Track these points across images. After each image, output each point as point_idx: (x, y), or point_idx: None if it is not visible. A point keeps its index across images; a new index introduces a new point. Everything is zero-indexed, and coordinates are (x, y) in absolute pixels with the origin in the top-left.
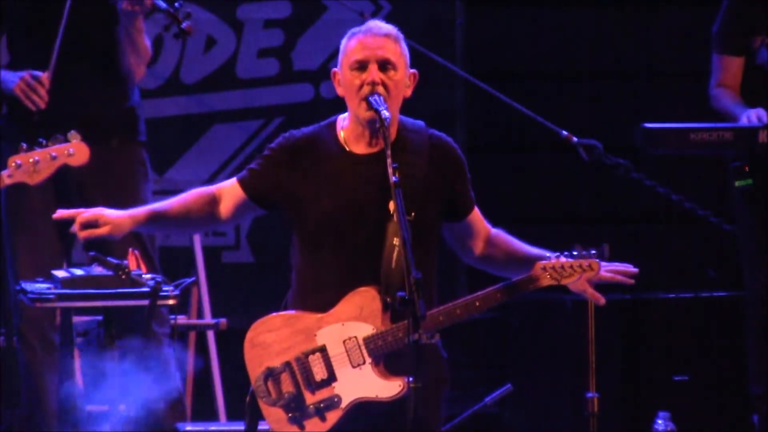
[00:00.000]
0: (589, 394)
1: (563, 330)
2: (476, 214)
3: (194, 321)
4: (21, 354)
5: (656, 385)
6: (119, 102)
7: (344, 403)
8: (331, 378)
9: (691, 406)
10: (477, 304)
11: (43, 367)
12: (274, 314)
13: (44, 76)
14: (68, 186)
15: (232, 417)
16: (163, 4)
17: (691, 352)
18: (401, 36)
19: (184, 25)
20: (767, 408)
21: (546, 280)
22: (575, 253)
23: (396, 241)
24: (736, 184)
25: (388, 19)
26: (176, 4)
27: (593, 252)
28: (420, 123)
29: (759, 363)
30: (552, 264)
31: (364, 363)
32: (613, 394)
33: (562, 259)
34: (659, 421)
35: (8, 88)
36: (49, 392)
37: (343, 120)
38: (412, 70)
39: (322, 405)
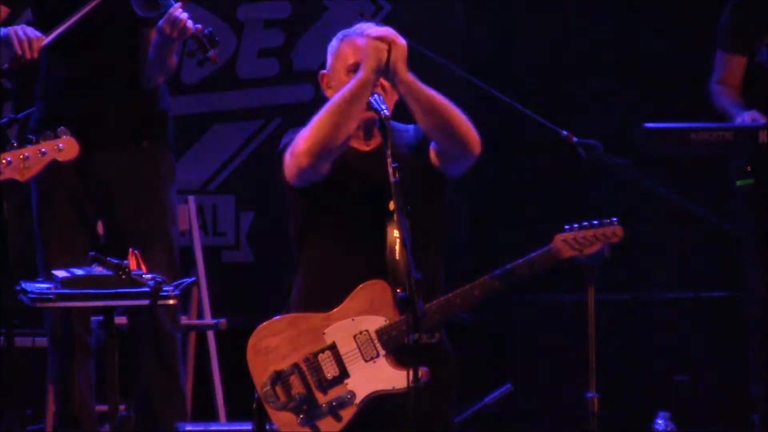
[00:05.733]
0: (589, 394)
1: (563, 330)
2: None
3: (194, 321)
4: (52, 357)
5: (656, 385)
6: (151, 105)
7: (358, 399)
8: (343, 375)
9: (691, 406)
10: (497, 283)
11: (76, 370)
12: (277, 318)
13: (41, 37)
14: (94, 183)
15: (232, 417)
16: (199, 34)
17: (691, 352)
18: None
19: (210, 53)
20: (767, 408)
21: (567, 252)
22: (595, 222)
23: (397, 233)
24: (738, 183)
25: (388, 19)
26: (206, 31)
27: (614, 219)
28: (409, 125)
29: (759, 363)
30: (573, 235)
31: (377, 356)
32: (613, 394)
33: (582, 230)
34: (659, 421)
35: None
36: (81, 394)
37: None
38: None
39: (334, 403)
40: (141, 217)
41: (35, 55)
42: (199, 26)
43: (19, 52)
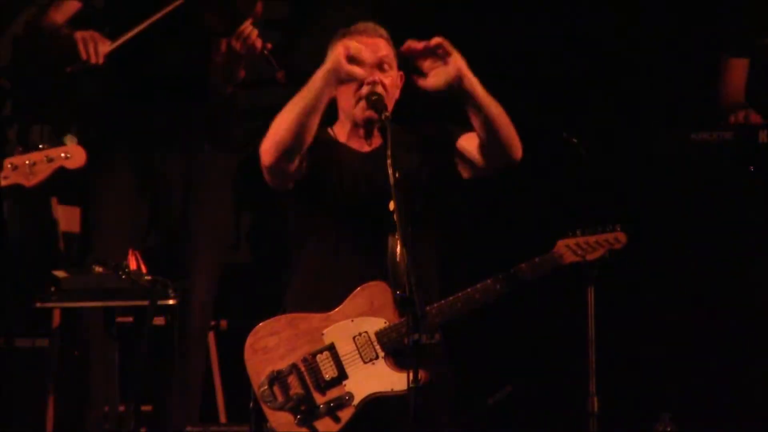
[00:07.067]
0: (589, 394)
1: (561, 330)
2: (462, 137)
3: None
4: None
5: (656, 385)
6: (216, 112)
7: (356, 401)
8: (342, 376)
9: (691, 406)
10: (498, 287)
11: (94, 369)
12: (275, 317)
13: (107, 43)
14: (152, 182)
15: (232, 417)
16: (268, 53)
17: (691, 353)
18: (389, 37)
19: (277, 73)
20: (767, 408)
21: (570, 257)
22: (597, 227)
23: (398, 236)
24: (739, 182)
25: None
26: (274, 50)
27: (617, 225)
28: (409, 126)
29: (759, 363)
30: (575, 241)
31: (377, 357)
32: (613, 394)
33: (584, 236)
34: (659, 421)
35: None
36: (98, 395)
37: (332, 129)
38: (399, 71)
39: (332, 405)
40: (193, 219)
41: (101, 60)
42: (268, 45)
43: (85, 56)
